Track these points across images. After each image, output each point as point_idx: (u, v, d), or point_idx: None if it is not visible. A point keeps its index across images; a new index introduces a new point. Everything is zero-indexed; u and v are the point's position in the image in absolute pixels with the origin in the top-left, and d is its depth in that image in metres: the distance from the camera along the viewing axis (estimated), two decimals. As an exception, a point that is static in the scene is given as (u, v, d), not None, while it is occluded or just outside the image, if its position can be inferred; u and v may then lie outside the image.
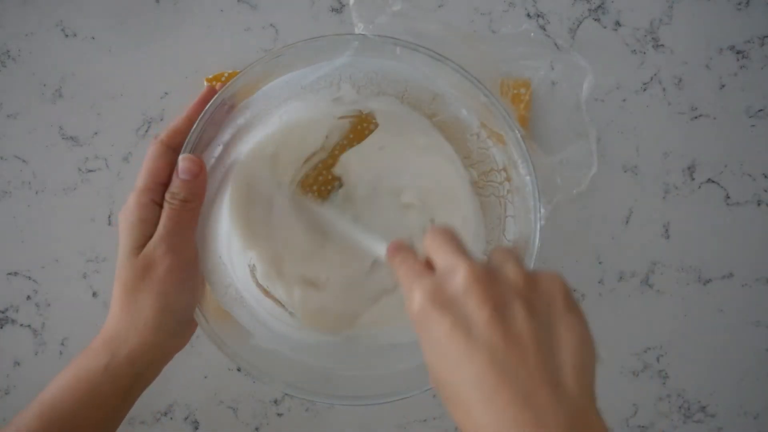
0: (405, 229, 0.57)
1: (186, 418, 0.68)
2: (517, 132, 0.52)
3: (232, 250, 0.54)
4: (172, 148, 0.51)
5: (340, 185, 0.58)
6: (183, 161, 0.50)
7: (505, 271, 0.38)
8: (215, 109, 0.52)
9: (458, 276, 0.37)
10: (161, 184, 0.50)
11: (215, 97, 0.51)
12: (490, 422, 0.34)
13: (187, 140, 0.51)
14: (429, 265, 0.40)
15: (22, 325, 0.68)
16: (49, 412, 0.48)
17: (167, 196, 0.49)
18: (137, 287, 0.49)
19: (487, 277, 0.37)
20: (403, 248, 0.43)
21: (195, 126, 0.51)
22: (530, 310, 0.36)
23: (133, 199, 0.49)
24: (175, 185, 0.49)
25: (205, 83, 0.66)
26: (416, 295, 0.38)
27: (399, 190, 0.57)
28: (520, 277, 0.37)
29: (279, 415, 0.68)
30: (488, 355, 0.35)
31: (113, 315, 0.49)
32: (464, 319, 0.36)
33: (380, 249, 0.47)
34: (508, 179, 0.55)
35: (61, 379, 0.49)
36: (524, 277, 0.38)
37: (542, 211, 0.52)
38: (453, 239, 0.40)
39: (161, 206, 0.50)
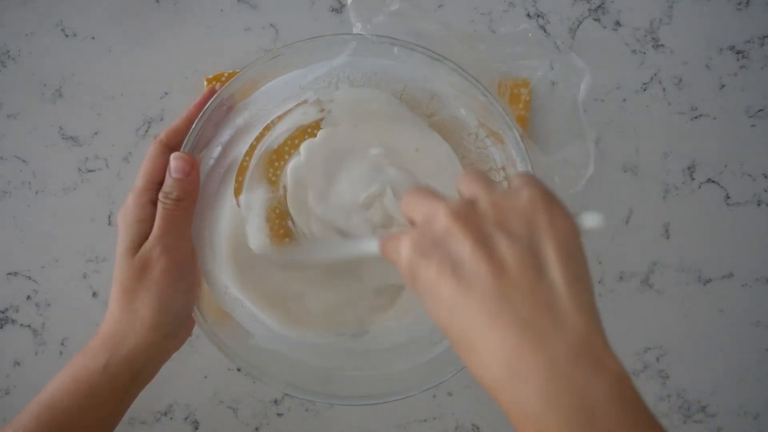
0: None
1: (186, 418, 0.68)
2: (515, 131, 0.52)
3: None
4: (171, 149, 0.51)
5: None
6: (174, 160, 0.50)
7: (479, 202, 0.37)
8: (214, 110, 0.52)
9: (437, 220, 0.37)
10: (159, 184, 0.50)
11: (214, 97, 0.52)
12: (494, 355, 0.34)
13: (185, 140, 0.51)
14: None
15: (22, 325, 0.68)
16: (46, 413, 0.48)
17: (160, 195, 0.49)
18: (134, 288, 0.49)
19: (465, 212, 0.37)
20: (392, 234, 0.42)
21: (194, 126, 0.51)
22: (510, 235, 0.35)
23: (132, 199, 0.50)
24: (168, 184, 0.50)
25: (205, 83, 0.66)
26: (402, 251, 0.38)
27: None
28: (492, 203, 0.37)
29: (279, 415, 0.68)
30: (479, 289, 0.35)
31: (111, 315, 0.50)
32: (449, 259, 0.36)
33: (374, 247, 0.46)
34: (507, 179, 0.55)
35: (59, 379, 0.49)
36: (497, 200, 0.37)
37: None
38: (427, 191, 0.40)
39: None
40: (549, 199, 0.37)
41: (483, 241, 0.35)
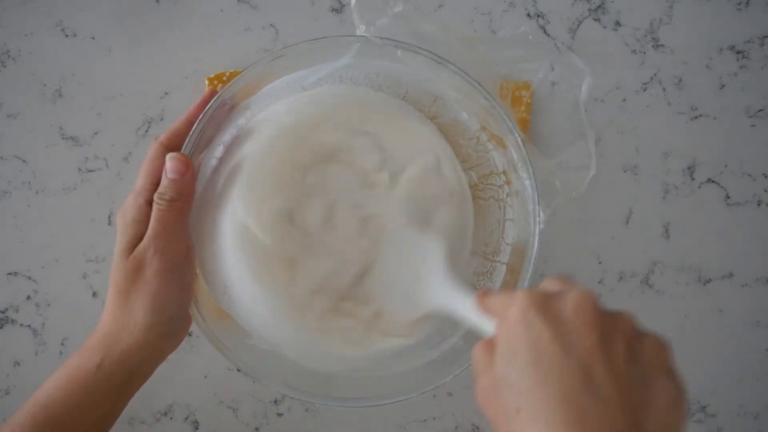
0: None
1: (186, 418, 0.68)
2: (517, 136, 0.52)
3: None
4: (171, 150, 0.51)
5: None
6: (170, 160, 0.50)
7: (618, 314, 0.37)
8: (215, 110, 0.52)
9: (569, 297, 0.37)
10: (158, 185, 0.50)
11: (215, 97, 0.52)
12: None
13: (186, 141, 0.51)
14: None
15: (22, 325, 0.68)
16: (42, 412, 0.48)
17: (155, 196, 0.49)
18: (128, 288, 0.49)
19: (599, 307, 0.36)
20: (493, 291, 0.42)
21: (195, 127, 0.51)
22: (632, 355, 0.35)
23: (130, 200, 0.50)
24: (163, 185, 0.50)
25: (207, 82, 0.66)
26: (519, 299, 0.37)
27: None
28: (631, 323, 0.36)
29: (279, 415, 0.68)
30: (585, 379, 0.34)
31: (107, 314, 0.50)
32: (566, 336, 0.35)
33: (467, 302, 0.46)
34: (508, 183, 0.55)
35: (55, 378, 0.49)
36: (634, 326, 0.37)
37: (541, 215, 0.52)
38: (568, 278, 0.40)
39: None
40: (674, 362, 0.37)
41: (606, 342, 0.35)
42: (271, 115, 0.55)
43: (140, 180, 0.50)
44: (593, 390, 0.34)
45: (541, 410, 0.34)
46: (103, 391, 0.49)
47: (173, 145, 0.51)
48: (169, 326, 0.51)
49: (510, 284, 0.56)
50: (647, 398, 0.34)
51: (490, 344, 0.39)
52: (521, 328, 0.36)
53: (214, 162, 0.54)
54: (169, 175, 0.50)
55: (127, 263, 0.49)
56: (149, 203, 0.50)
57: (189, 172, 0.50)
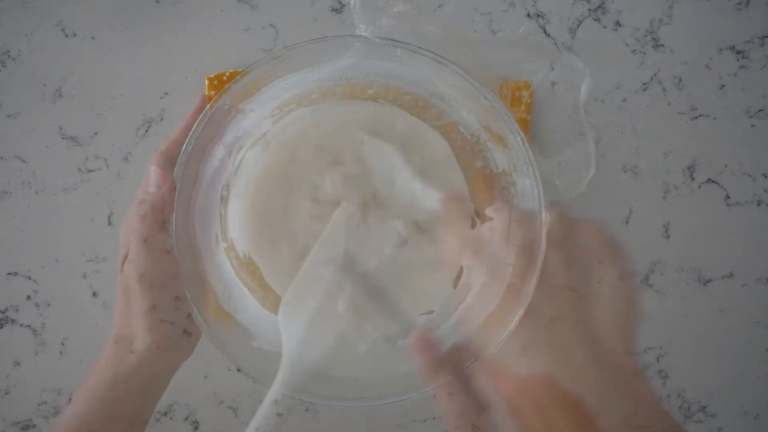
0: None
1: (186, 418, 0.68)
2: (518, 135, 0.52)
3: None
4: (172, 159, 0.51)
5: None
6: (149, 174, 0.50)
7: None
8: (214, 112, 0.52)
9: (495, 221, 0.39)
10: None
11: (215, 98, 0.52)
12: (528, 375, 0.34)
13: (182, 150, 0.51)
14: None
15: (22, 325, 0.68)
16: (79, 426, 0.48)
17: (138, 212, 0.50)
18: (126, 306, 0.49)
19: (527, 219, 0.38)
20: (457, 198, 0.43)
21: (189, 137, 0.51)
22: (567, 261, 0.36)
23: (131, 212, 0.50)
24: (140, 198, 0.50)
25: (206, 82, 0.66)
26: (450, 238, 0.40)
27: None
28: (558, 225, 0.38)
29: (279, 415, 0.68)
30: (524, 308, 0.36)
31: (113, 332, 0.50)
32: (498, 262, 0.37)
33: (433, 197, 0.47)
34: (513, 184, 0.55)
35: (79, 400, 0.49)
36: (563, 226, 0.38)
37: (546, 215, 0.52)
38: (503, 189, 0.41)
39: None
40: (612, 239, 0.39)
41: (537, 259, 0.37)
42: (270, 116, 0.55)
43: (140, 192, 0.51)
44: (535, 316, 0.36)
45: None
46: (121, 403, 0.49)
47: (174, 154, 0.51)
48: (171, 341, 0.51)
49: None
50: (594, 300, 0.36)
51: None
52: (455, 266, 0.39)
53: (215, 163, 0.54)
54: (149, 189, 0.50)
55: (121, 279, 0.50)
56: None
57: (165, 184, 0.50)
